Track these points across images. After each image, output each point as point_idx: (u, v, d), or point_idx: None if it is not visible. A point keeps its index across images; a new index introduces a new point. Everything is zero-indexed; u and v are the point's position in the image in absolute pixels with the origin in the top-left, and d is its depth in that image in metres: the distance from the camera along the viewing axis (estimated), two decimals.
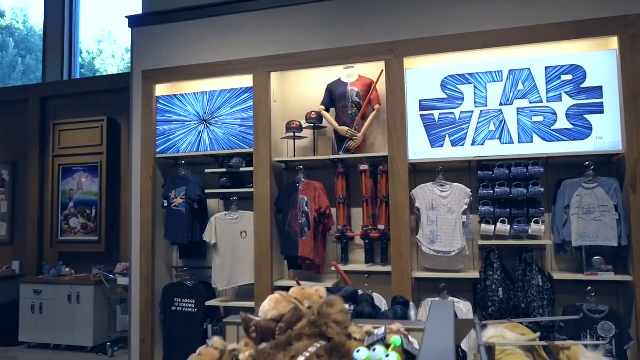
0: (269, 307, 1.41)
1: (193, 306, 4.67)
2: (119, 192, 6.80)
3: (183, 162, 4.83)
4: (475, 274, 3.92)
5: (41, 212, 7.03)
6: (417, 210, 4.08)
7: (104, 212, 6.66)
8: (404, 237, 3.99)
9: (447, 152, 4.05)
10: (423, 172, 4.22)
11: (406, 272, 3.96)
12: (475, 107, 4.02)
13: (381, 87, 4.28)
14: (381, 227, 4.17)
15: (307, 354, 1.22)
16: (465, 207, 3.95)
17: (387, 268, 4.09)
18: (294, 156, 4.61)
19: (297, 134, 4.52)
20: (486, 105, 4.00)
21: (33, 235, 7.02)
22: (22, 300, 6.49)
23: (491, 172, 3.90)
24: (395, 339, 1.28)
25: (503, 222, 3.87)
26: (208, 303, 4.61)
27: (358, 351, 1.26)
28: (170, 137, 4.92)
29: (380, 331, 1.32)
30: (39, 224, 7.01)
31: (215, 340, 1.35)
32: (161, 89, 4.98)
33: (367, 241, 4.26)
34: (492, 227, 3.89)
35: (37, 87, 7.37)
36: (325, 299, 1.40)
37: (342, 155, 4.33)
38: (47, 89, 7.26)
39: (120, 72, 10.97)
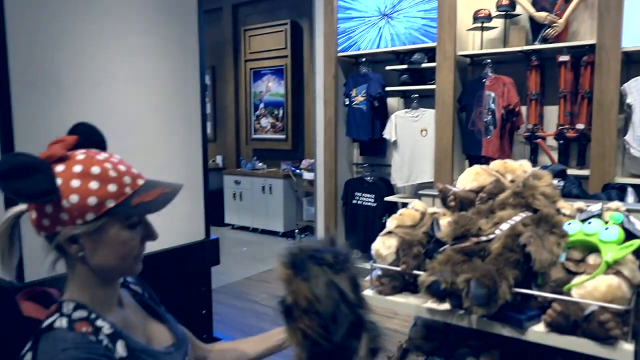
0: (468, 178, 1.37)
1: (372, 200, 4.87)
2: (302, 93, 7.17)
3: (363, 59, 4.83)
4: None
5: (237, 112, 7.82)
6: (628, 107, 3.53)
7: (289, 112, 7.14)
8: (609, 138, 3.53)
9: None
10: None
11: (607, 177, 3.54)
12: None
13: None
14: (580, 126, 3.73)
15: (512, 222, 1.17)
16: None
17: (584, 171, 3.70)
18: (481, 49, 4.27)
19: (485, 24, 4.14)
20: None
21: (231, 133, 7.91)
22: (226, 188, 7.49)
23: None
24: (615, 215, 1.16)
25: None
26: (387, 198, 4.76)
27: (569, 224, 1.17)
28: (351, 35, 4.92)
29: (595, 207, 1.20)
30: (236, 123, 7.83)
31: (416, 203, 1.37)
32: None
33: (561, 142, 3.87)
34: None
35: None
36: (532, 172, 1.31)
37: (538, 46, 3.88)
38: None
39: None
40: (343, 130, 5.10)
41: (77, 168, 0.88)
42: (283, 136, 7.25)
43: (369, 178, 5.00)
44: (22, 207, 0.90)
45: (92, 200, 0.86)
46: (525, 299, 1.13)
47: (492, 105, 4.00)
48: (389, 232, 1.31)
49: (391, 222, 1.35)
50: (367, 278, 1.34)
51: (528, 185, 1.25)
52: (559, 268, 1.12)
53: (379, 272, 1.30)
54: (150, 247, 1.03)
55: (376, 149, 4.98)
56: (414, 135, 4.53)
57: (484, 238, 1.16)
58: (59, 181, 0.86)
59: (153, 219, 0.98)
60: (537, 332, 1.06)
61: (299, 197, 6.96)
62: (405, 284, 1.29)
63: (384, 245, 1.28)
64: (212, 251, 2.79)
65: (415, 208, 1.36)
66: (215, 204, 7.50)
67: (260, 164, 7.40)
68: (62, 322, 0.86)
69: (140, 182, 0.93)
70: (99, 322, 0.89)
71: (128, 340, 0.91)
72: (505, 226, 1.17)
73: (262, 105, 7.46)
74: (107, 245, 0.90)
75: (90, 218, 0.87)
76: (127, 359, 0.89)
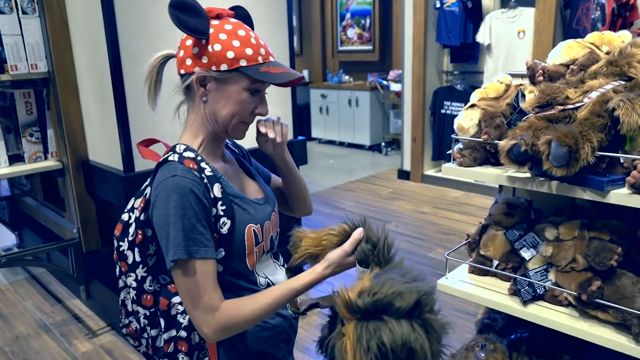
0: (560, 52, 1.32)
1: (462, 109, 4.75)
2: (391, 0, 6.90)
3: None
4: None
5: (323, 24, 7.72)
6: None
7: (377, 21, 6.93)
8: None
9: None
10: None
11: None
12: None
13: None
14: None
15: (603, 90, 1.14)
16: None
17: None
18: None
19: None
20: None
21: (317, 46, 7.88)
22: (313, 103, 7.60)
23: None
24: None
25: None
26: None
27: None
28: None
29: None
30: (322, 35, 7.77)
31: (502, 76, 1.36)
32: None
33: None
34: None
35: None
36: (631, 40, 1.23)
37: None
38: None
39: None
40: (433, 36, 4.91)
41: (228, 26, 1.04)
42: (370, 47, 7.12)
43: (459, 86, 4.85)
44: (171, 51, 1.09)
45: (229, 54, 1.01)
46: (610, 166, 1.12)
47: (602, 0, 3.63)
48: (472, 105, 1.32)
49: (475, 95, 1.35)
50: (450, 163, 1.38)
51: (625, 54, 1.19)
52: None
53: (461, 145, 1.34)
54: (246, 144, 1.23)
55: (468, 54, 4.78)
56: (510, 38, 4.27)
57: (570, 106, 1.15)
58: (210, 30, 1.02)
59: None
60: (620, 194, 1.06)
61: (386, 109, 6.93)
62: (486, 156, 1.32)
63: (466, 119, 1.30)
64: (300, 151, 2.94)
65: (500, 81, 1.35)
66: (302, 119, 7.69)
67: (347, 77, 7.37)
68: (175, 157, 1.03)
69: (272, 58, 1.07)
70: (203, 164, 1.04)
71: (224, 185, 1.06)
72: (594, 94, 1.14)
73: (348, 16, 7.31)
74: (227, 98, 1.04)
75: (223, 68, 1.02)
76: (220, 199, 1.03)
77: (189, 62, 1.03)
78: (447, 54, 5.09)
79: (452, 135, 1.36)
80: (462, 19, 4.52)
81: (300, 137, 2.96)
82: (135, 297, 1.10)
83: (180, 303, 1.06)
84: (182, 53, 1.05)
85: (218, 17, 1.05)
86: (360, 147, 7.17)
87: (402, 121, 5.40)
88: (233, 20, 1.07)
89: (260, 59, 1.04)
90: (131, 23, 2.15)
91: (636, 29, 3.66)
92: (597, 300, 1.16)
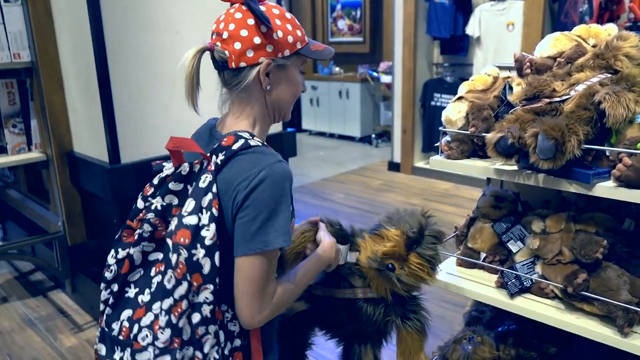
0: (548, 44, 1.32)
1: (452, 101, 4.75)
2: None
3: None
4: None
5: (313, 15, 7.66)
6: None
7: (368, 12, 6.90)
8: None
9: None
10: None
11: None
12: None
13: None
14: None
15: (589, 82, 1.13)
16: None
17: None
18: None
19: None
20: None
21: (309, 35, 7.81)
22: (303, 94, 7.55)
23: None
24: None
25: None
26: None
27: None
28: None
29: None
30: (312, 26, 7.71)
31: (489, 68, 1.35)
32: None
33: None
34: None
35: None
36: (617, 34, 1.23)
37: None
38: None
39: None
40: (423, 28, 4.90)
41: (275, 11, 1.03)
42: (360, 39, 7.09)
43: (449, 78, 4.85)
44: (204, 45, 1.01)
45: (290, 39, 1.02)
46: (596, 159, 1.12)
47: None
48: (460, 98, 1.31)
49: (462, 87, 1.35)
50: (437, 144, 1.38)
51: (611, 47, 1.19)
52: (635, 128, 1.08)
53: (448, 138, 1.33)
54: None
55: (458, 46, 4.77)
56: (500, 30, 4.27)
57: (557, 99, 1.14)
58: None
59: None
60: (605, 187, 1.06)
61: (376, 101, 6.91)
62: (474, 149, 1.31)
63: (454, 111, 1.30)
64: (289, 143, 2.93)
65: (488, 73, 1.34)
66: (292, 110, 7.63)
67: (337, 68, 7.34)
68: (257, 142, 1.00)
69: (306, 37, 1.09)
70: None
71: None
72: (581, 87, 1.14)
73: (339, 7, 7.26)
74: (288, 83, 1.05)
75: (286, 54, 1.02)
76: None
77: (250, 53, 0.99)
78: (437, 46, 5.08)
79: (440, 128, 1.35)
80: (452, 11, 4.51)
81: (290, 129, 2.94)
82: (209, 314, 0.92)
83: (228, 310, 0.98)
84: (238, 45, 0.98)
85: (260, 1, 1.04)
86: (350, 138, 7.16)
87: (392, 113, 5.39)
88: (270, 2, 1.05)
89: (306, 38, 1.07)
90: (117, 12, 2.12)
91: (623, 23, 3.68)
92: (583, 292, 1.16)
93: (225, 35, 0.99)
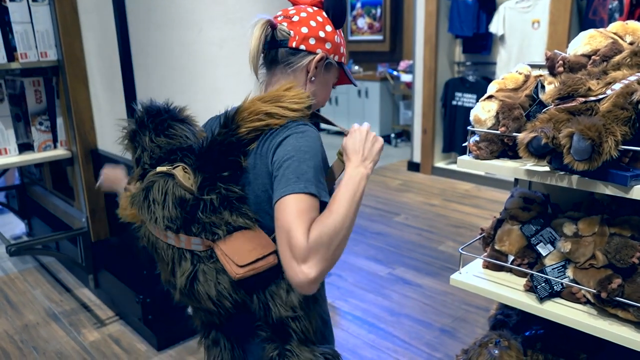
0: (582, 42, 1.28)
1: (474, 102, 4.68)
2: None
3: None
4: None
5: None
6: None
7: (388, 10, 6.85)
8: None
9: None
10: None
11: None
12: None
13: None
14: None
15: (627, 81, 1.10)
16: None
17: None
18: None
19: None
20: None
21: None
22: None
23: None
24: None
25: None
26: None
27: None
28: None
29: None
30: None
31: (521, 66, 1.31)
32: None
33: None
34: None
35: None
36: None
37: None
38: None
39: None
40: (445, 26, 4.84)
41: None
42: (380, 37, 7.04)
43: (471, 77, 4.79)
44: (270, 19, 1.08)
45: (342, 49, 1.15)
46: (633, 160, 1.09)
47: None
48: (490, 97, 1.28)
49: (492, 86, 1.31)
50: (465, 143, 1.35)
51: None
52: None
53: (477, 137, 1.30)
54: None
55: (480, 45, 4.70)
56: (524, 28, 4.20)
57: (592, 98, 1.11)
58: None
59: None
60: None
61: (396, 100, 6.86)
62: (503, 149, 1.28)
63: (483, 110, 1.27)
64: None
65: (519, 71, 1.31)
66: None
67: (357, 67, 7.31)
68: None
69: None
70: None
71: None
72: (618, 86, 1.10)
73: (358, 5, 7.23)
74: (326, 85, 1.16)
75: (336, 60, 1.14)
76: None
77: (312, 41, 1.09)
78: (459, 45, 5.02)
79: (469, 127, 1.32)
80: (475, 9, 4.45)
81: None
82: None
83: None
84: (305, 30, 1.09)
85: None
86: None
87: (412, 112, 5.35)
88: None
89: (344, 59, 1.18)
90: (141, 11, 2.13)
91: None
92: (617, 298, 1.12)
93: (295, 18, 1.10)
